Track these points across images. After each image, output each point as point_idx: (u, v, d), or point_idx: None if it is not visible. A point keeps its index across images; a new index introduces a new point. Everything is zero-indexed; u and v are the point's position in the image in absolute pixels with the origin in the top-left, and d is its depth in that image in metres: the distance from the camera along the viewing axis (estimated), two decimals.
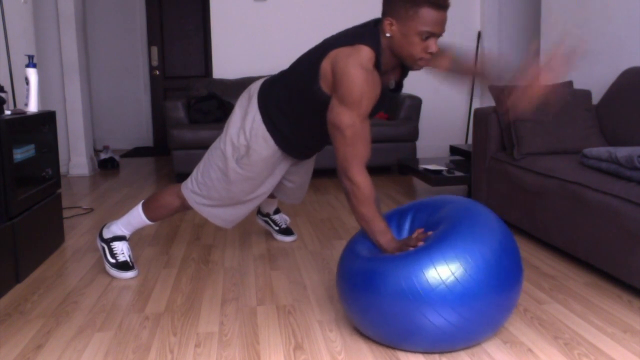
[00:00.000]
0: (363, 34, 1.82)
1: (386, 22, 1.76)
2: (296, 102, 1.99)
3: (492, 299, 1.60)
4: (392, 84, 1.96)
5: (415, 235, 1.78)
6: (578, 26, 3.60)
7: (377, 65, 1.81)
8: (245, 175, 2.16)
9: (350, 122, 1.75)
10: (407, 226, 1.95)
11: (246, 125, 2.12)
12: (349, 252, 1.84)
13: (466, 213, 1.73)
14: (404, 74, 2.00)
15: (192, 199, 2.29)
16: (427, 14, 1.68)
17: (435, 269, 1.57)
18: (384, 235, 1.78)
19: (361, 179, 1.77)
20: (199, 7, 6.88)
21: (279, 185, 2.57)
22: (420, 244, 1.70)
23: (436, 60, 2.01)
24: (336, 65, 1.78)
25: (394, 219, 1.98)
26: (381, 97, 1.93)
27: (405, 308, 1.58)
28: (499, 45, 5.49)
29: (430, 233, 1.76)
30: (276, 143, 2.11)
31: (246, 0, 5.23)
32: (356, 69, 1.73)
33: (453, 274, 1.57)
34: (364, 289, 1.66)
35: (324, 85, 1.86)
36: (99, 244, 2.46)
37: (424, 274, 1.57)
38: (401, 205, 2.04)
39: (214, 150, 2.24)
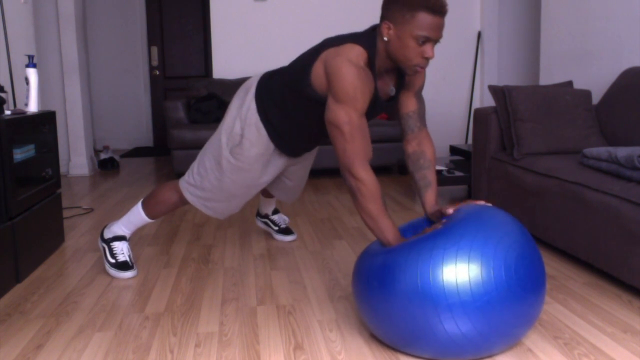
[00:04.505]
0: (359, 36, 1.84)
1: (384, 26, 1.79)
2: (288, 98, 2.01)
3: (514, 310, 1.51)
4: (392, 90, 1.96)
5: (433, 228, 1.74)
6: (578, 26, 3.60)
7: (371, 65, 1.83)
8: (238, 166, 2.17)
9: (347, 119, 1.76)
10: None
11: (242, 113, 2.15)
12: (367, 249, 1.80)
13: (486, 214, 1.65)
14: (400, 83, 1.99)
15: (186, 190, 2.30)
16: (424, 18, 1.70)
17: (453, 269, 1.49)
18: (392, 233, 1.76)
19: (365, 175, 1.76)
20: (199, 7, 6.88)
21: (278, 182, 2.59)
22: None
23: (406, 99, 2.02)
24: (328, 65, 1.80)
25: (408, 233, 1.94)
26: (375, 102, 1.93)
27: (418, 310, 1.52)
28: (499, 45, 5.49)
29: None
30: (268, 134, 2.12)
31: (246, 0, 5.23)
32: (346, 66, 1.74)
33: (472, 278, 1.48)
34: (378, 285, 1.61)
35: (316, 85, 1.88)
36: (100, 244, 2.47)
37: (441, 274, 1.50)
38: (412, 220, 2.01)
39: (211, 140, 2.26)
